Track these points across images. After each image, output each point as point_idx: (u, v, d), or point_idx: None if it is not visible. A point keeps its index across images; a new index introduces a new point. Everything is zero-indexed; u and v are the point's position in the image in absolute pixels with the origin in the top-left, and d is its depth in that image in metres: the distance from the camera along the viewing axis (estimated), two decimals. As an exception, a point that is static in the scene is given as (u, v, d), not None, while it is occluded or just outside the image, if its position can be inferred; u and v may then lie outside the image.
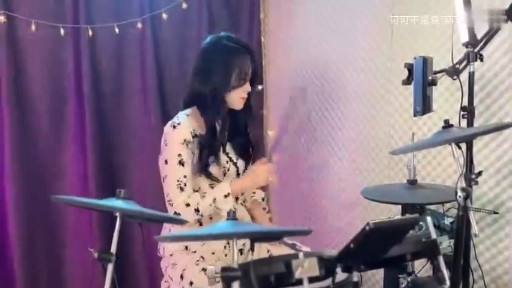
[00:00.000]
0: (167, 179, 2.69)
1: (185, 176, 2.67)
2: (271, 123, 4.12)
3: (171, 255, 2.77)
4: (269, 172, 2.81)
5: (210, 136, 2.73)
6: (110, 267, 1.97)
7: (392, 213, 3.18)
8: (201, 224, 2.74)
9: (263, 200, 3.08)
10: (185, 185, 2.66)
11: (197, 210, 2.64)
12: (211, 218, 2.75)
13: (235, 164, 2.84)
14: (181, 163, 2.67)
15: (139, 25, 3.62)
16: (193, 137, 2.70)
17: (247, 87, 2.76)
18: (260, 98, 4.04)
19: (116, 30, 3.58)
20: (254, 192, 3.06)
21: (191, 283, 2.56)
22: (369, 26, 3.38)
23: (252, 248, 1.84)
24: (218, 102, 2.73)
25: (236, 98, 2.76)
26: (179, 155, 2.67)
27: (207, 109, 2.75)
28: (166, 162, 2.70)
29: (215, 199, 2.66)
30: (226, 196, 2.66)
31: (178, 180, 2.66)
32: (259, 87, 3.96)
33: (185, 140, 2.67)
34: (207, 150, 2.72)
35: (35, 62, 3.48)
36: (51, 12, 3.47)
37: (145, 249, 3.58)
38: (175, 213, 2.63)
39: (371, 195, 2.75)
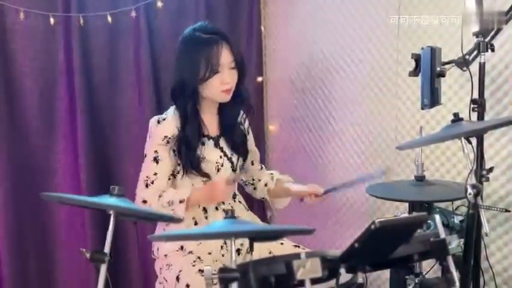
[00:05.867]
0: (141, 172, 2.80)
1: (155, 174, 2.74)
2: (271, 116, 4.12)
3: (166, 255, 2.78)
4: (222, 192, 2.79)
5: (183, 130, 2.76)
6: (103, 267, 1.97)
7: (399, 211, 3.19)
8: (196, 223, 2.75)
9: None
10: (152, 182, 2.74)
11: (145, 201, 2.73)
12: (206, 218, 2.78)
13: (229, 159, 2.85)
14: (156, 160, 2.74)
15: (133, 13, 3.61)
16: (179, 132, 2.74)
17: (224, 77, 2.73)
18: (260, 90, 4.04)
19: (109, 19, 3.57)
20: (271, 173, 3.14)
21: (187, 285, 2.56)
22: (376, 15, 3.37)
23: (251, 248, 1.84)
24: (187, 95, 2.75)
25: (215, 90, 2.75)
26: (155, 151, 2.74)
27: (177, 102, 2.79)
28: (145, 155, 2.76)
29: (171, 201, 2.69)
30: (181, 201, 2.69)
31: (147, 176, 2.75)
32: (259, 79, 3.98)
33: (165, 137, 2.72)
34: (184, 146, 2.74)
35: (24, 53, 3.48)
36: (41, 0, 3.46)
37: (139, 249, 3.59)
38: None
39: (376, 192, 2.75)
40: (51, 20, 3.46)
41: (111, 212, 2.01)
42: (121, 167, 3.75)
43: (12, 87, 3.47)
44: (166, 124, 2.73)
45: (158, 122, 2.75)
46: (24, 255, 3.58)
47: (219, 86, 2.73)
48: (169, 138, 2.73)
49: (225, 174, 2.84)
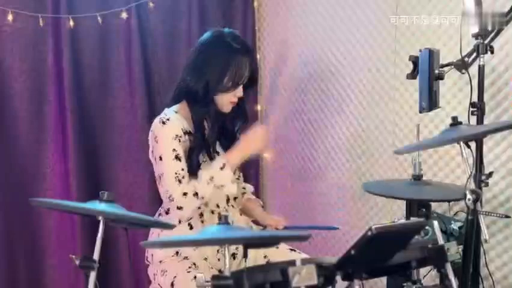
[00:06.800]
0: (165, 175, 2.68)
1: (182, 169, 2.67)
2: (265, 118, 4.11)
3: (160, 261, 2.77)
4: (262, 137, 2.80)
5: (199, 135, 2.74)
6: (92, 275, 1.96)
7: (396, 217, 3.18)
8: (191, 228, 2.73)
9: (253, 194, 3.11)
10: (183, 177, 2.66)
11: (196, 194, 2.63)
12: (202, 222, 2.75)
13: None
14: (178, 158, 2.66)
15: (124, 15, 3.61)
16: (184, 133, 2.71)
17: (239, 91, 2.77)
18: (254, 93, 4.03)
19: (99, 20, 3.56)
20: (244, 188, 3.08)
21: (182, 291, 2.56)
22: (373, 17, 3.37)
23: (245, 255, 1.83)
24: (208, 100, 2.74)
25: (225, 101, 2.77)
26: (174, 150, 2.66)
27: (197, 105, 2.76)
28: (160, 158, 2.69)
29: (212, 177, 2.64)
30: (222, 168, 2.65)
31: (176, 173, 2.65)
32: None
33: (177, 135, 2.68)
34: (196, 150, 2.72)
35: (12, 54, 3.47)
36: (30, 1, 3.45)
37: (130, 255, 3.58)
38: (178, 207, 2.62)
39: (373, 190, 2.74)
40: (41, 21, 3.45)
41: (100, 217, 2.00)
42: (112, 171, 3.73)
43: (0, 89, 3.45)
44: (173, 124, 2.70)
45: (163, 122, 2.69)
46: (13, 260, 3.57)
47: (230, 97, 2.76)
48: (180, 137, 2.70)
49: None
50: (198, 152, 2.73)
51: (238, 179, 3.11)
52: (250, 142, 2.80)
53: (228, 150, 2.85)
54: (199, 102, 2.75)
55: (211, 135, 2.78)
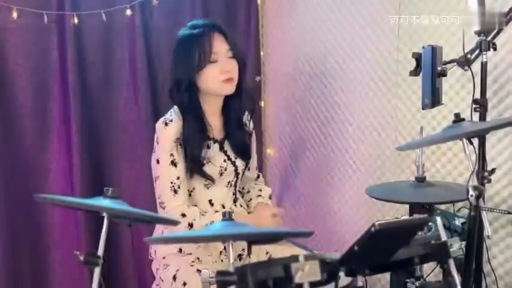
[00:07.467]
0: (160, 180, 2.69)
1: (178, 178, 2.67)
2: (269, 117, 4.11)
3: (164, 258, 2.77)
4: (273, 221, 2.82)
5: (187, 128, 2.73)
6: (97, 271, 1.96)
7: (399, 213, 3.18)
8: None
9: (270, 198, 3.08)
10: (178, 187, 2.67)
11: (191, 225, 2.64)
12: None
13: (233, 163, 2.84)
14: (174, 163, 2.67)
15: (128, 12, 3.60)
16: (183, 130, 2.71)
17: (223, 65, 2.72)
18: (258, 90, 4.03)
19: (104, 17, 3.55)
20: (260, 190, 3.07)
21: (184, 284, 2.56)
22: (376, 15, 3.36)
23: (249, 251, 1.83)
24: (183, 90, 2.73)
25: (215, 81, 2.72)
26: (171, 154, 2.67)
27: (176, 100, 2.77)
28: (157, 161, 2.70)
29: (213, 222, 2.64)
30: None
31: (171, 182, 2.66)
32: (257, 78, 3.97)
33: (177, 139, 2.68)
34: (189, 147, 2.71)
35: (17, 51, 3.46)
36: (34, -3, 3.45)
37: (134, 251, 3.58)
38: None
39: (376, 194, 2.74)
40: (45, 18, 3.44)
41: (104, 214, 2.00)
42: (116, 168, 3.73)
43: (5, 86, 3.45)
44: (174, 125, 2.69)
45: (166, 124, 2.69)
46: (17, 256, 3.56)
47: (219, 75, 2.71)
48: (180, 140, 2.70)
49: (227, 178, 2.83)
50: (191, 149, 2.72)
51: (257, 178, 3.10)
52: (263, 220, 2.81)
53: (238, 153, 2.86)
54: (176, 96, 2.77)
55: (193, 125, 2.74)
